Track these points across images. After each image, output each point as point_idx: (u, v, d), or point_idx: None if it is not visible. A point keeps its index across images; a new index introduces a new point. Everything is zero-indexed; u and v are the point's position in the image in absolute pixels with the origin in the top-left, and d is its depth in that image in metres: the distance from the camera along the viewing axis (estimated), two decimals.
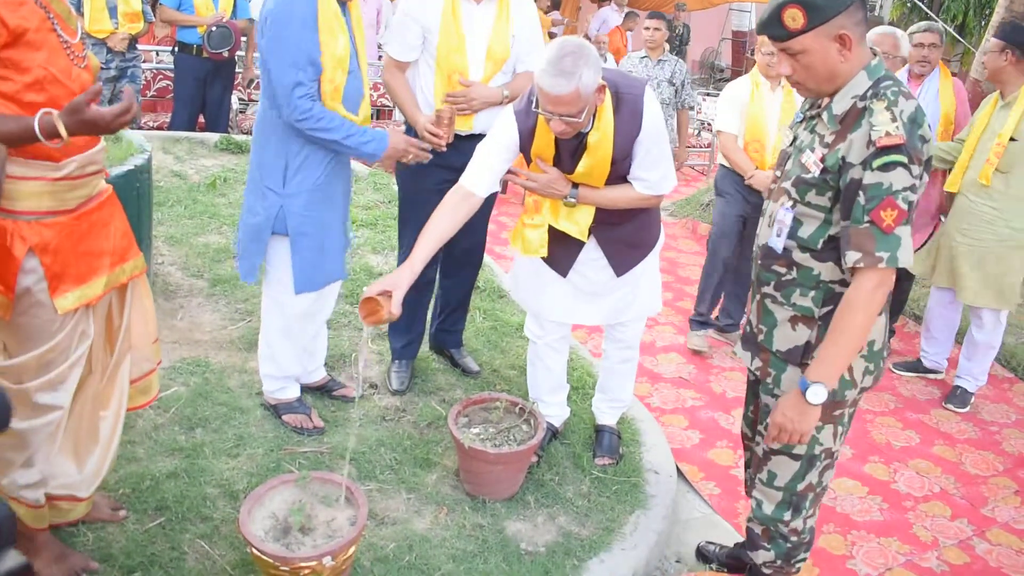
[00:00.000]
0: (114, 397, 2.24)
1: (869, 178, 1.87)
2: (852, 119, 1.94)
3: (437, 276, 3.53)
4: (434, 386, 3.45)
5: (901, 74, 4.44)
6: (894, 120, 1.86)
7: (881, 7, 14.29)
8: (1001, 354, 4.69)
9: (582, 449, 3.14)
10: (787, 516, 2.30)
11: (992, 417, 4.23)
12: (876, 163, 1.86)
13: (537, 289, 2.95)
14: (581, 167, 2.60)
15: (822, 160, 1.98)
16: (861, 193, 1.88)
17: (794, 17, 1.90)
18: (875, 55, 2.02)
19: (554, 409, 3.17)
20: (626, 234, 2.80)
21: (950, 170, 4.18)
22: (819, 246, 2.04)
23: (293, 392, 3.10)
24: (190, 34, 6.21)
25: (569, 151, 2.61)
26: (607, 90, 2.50)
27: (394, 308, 2.30)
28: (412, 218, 3.25)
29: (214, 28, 6.17)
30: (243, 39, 6.62)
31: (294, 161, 2.71)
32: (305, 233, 2.76)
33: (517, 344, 3.91)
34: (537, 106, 2.46)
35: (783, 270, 2.12)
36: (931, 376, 4.56)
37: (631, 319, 3.01)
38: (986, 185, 3.95)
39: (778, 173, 2.20)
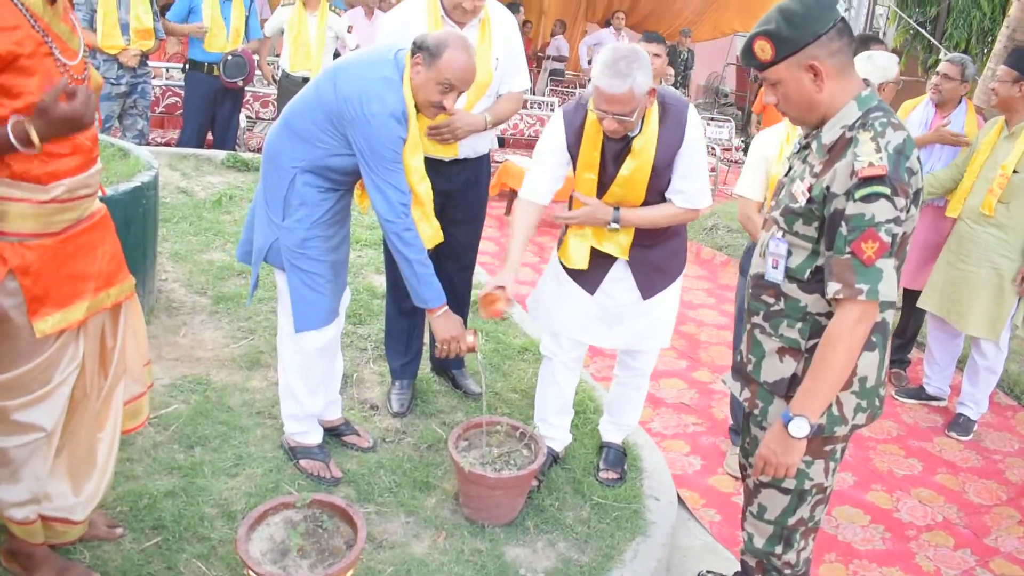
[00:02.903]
0: (110, 419, 2.24)
1: (851, 209, 1.85)
2: (839, 149, 1.93)
3: None
4: (435, 408, 3.44)
5: (923, 105, 4.45)
6: (879, 151, 1.84)
7: (884, 34, 14.36)
8: (1004, 381, 4.68)
9: (582, 475, 3.13)
10: (779, 550, 2.27)
11: (995, 445, 4.21)
12: (858, 194, 1.84)
13: (560, 306, 3.01)
14: (624, 170, 2.71)
15: (809, 190, 1.97)
16: (843, 224, 1.87)
17: (763, 48, 1.94)
18: (867, 85, 2.01)
19: (558, 432, 3.18)
20: (656, 258, 2.90)
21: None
22: (806, 276, 2.02)
23: (315, 438, 2.97)
24: (201, 52, 6.27)
25: (613, 153, 2.73)
26: (656, 100, 2.68)
27: (502, 305, 2.73)
28: None
29: (229, 57, 6.23)
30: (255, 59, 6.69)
31: (295, 197, 2.64)
32: (299, 270, 2.68)
33: (519, 367, 3.91)
34: (590, 106, 2.66)
35: (772, 300, 2.11)
36: (934, 403, 4.55)
37: (648, 348, 3.06)
38: (988, 215, 3.96)
39: (772, 203, 2.20)
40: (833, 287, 1.89)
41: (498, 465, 2.78)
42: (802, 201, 1.98)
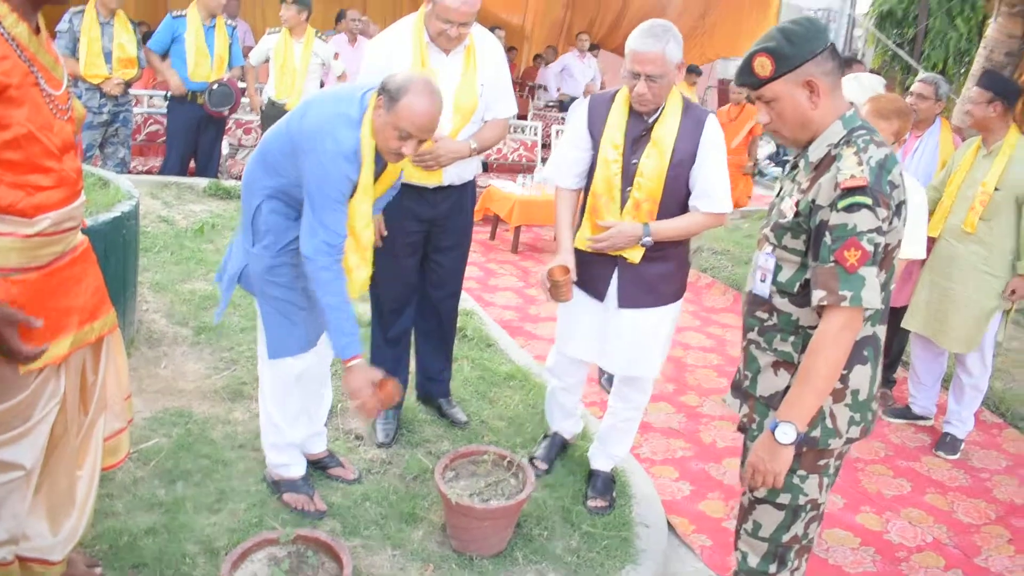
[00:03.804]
0: (89, 456, 2.19)
1: (835, 219, 1.92)
2: (825, 165, 2.00)
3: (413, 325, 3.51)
4: (421, 438, 3.41)
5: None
6: (861, 164, 1.92)
7: (863, 55, 14.52)
8: (989, 399, 4.68)
9: (571, 503, 3.10)
10: (772, 568, 2.25)
11: (983, 464, 4.21)
12: (841, 204, 1.91)
13: (564, 318, 3.14)
14: (644, 157, 2.82)
15: (796, 204, 2.04)
16: (827, 234, 1.93)
17: (763, 65, 2.00)
18: (851, 106, 2.08)
19: (568, 426, 3.46)
20: (646, 273, 2.92)
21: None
22: (795, 290, 2.07)
23: (298, 470, 2.92)
24: (185, 80, 6.24)
25: (634, 136, 2.85)
26: (680, 95, 2.87)
27: (567, 286, 2.86)
28: (385, 278, 3.21)
29: (215, 86, 6.23)
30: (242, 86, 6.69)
31: (262, 224, 2.63)
32: (269, 296, 2.67)
33: (506, 394, 3.88)
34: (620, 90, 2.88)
35: (765, 315, 2.15)
36: (920, 423, 4.55)
37: (643, 374, 3.08)
38: (971, 233, 4.00)
39: (763, 222, 2.24)
40: (818, 294, 1.94)
41: (486, 495, 2.75)
42: (790, 216, 2.04)
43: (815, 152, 2.05)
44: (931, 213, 4.22)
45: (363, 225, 2.59)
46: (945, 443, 4.26)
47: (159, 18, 6.75)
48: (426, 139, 2.55)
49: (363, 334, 3.90)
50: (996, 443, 4.47)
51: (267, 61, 6.62)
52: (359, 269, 2.64)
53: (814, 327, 2.04)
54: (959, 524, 3.62)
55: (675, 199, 2.86)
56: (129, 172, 6.37)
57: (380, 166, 2.63)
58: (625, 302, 2.94)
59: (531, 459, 3.28)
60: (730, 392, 2.38)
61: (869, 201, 1.89)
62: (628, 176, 2.85)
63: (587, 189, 3.00)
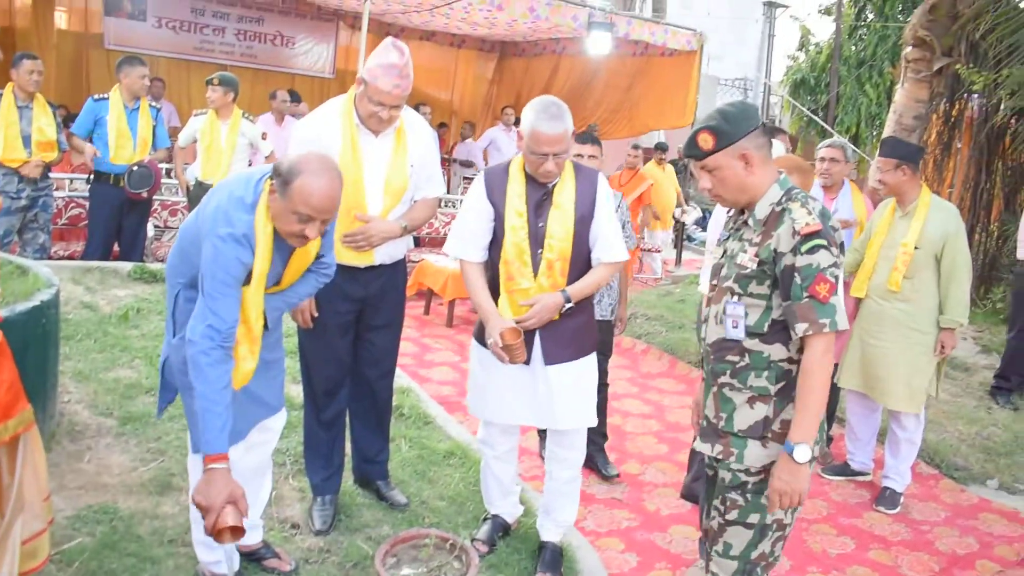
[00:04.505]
0: (5, 562, 2.06)
1: (801, 261, 2.24)
2: (774, 220, 2.32)
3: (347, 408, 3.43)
4: (360, 523, 3.30)
5: (813, 188, 4.64)
6: (810, 214, 2.26)
7: (780, 121, 15.12)
8: (924, 451, 4.77)
9: None
10: None
11: (923, 516, 4.26)
12: (804, 248, 2.23)
13: (486, 390, 3.14)
14: (552, 223, 2.95)
15: (756, 255, 2.33)
16: (796, 275, 2.24)
17: (706, 140, 2.33)
18: (781, 173, 2.41)
19: (507, 508, 3.37)
20: (564, 328, 3.03)
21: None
22: (765, 330, 2.34)
23: (231, 566, 2.79)
24: (107, 163, 6.13)
25: (536, 202, 2.98)
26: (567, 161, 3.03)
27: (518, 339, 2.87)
28: (317, 359, 3.16)
29: (134, 168, 6.13)
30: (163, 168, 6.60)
31: (180, 315, 2.52)
32: (189, 389, 2.49)
33: (445, 473, 3.80)
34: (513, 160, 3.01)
35: (737, 359, 2.39)
36: (859, 478, 4.60)
37: (582, 424, 3.13)
38: (896, 291, 4.13)
39: (714, 282, 2.50)
40: (801, 327, 2.24)
41: None
42: (752, 266, 2.34)
43: (761, 212, 2.36)
44: (854, 274, 4.36)
45: (256, 315, 2.48)
46: (885, 498, 4.31)
47: (80, 101, 6.66)
48: (329, 219, 2.42)
49: (295, 417, 3.83)
50: (934, 495, 4.54)
51: (195, 142, 6.57)
52: (246, 360, 2.50)
53: (783, 360, 2.35)
54: None
55: (580, 256, 3.01)
56: (49, 258, 6.18)
57: (288, 251, 2.55)
58: (551, 359, 3.03)
59: (473, 540, 3.20)
60: (698, 439, 2.56)
61: (825, 242, 2.24)
62: (538, 239, 2.97)
63: (491, 261, 3.06)
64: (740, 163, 2.33)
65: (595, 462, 4.23)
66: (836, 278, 2.24)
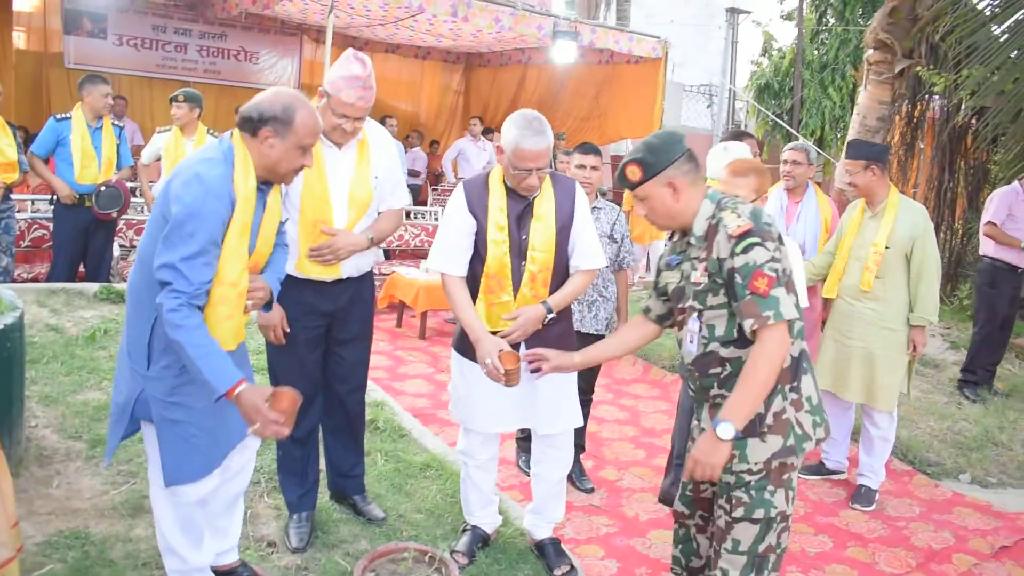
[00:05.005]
0: None
1: (738, 262, 2.34)
2: (712, 233, 2.43)
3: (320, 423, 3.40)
4: (337, 539, 3.26)
5: (778, 191, 4.69)
6: (739, 216, 2.38)
7: (746, 126, 15.26)
8: (897, 448, 4.82)
9: None
10: None
11: (898, 512, 4.30)
12: (738, 248, 2.34)
13: (469, 399, 3.15)
14: (533, 233, 2.98)
15: (705, 270, 2.43)
16: (737, 275, 2.35)
17: (633, 172, 2.47)
18: (709, 187, 2.55)
19: (486, 518, 3.35)
20: (547, 336, 3.02)
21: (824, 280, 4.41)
22: (735, 336, 2.43)
23: None
24: (72, 183, 6.04)
25: (516, 214, 3.00)
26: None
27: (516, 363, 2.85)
28: (287, 375, 3.11)
29: (103, 188, 6.05)
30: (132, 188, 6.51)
31: (159, 341, 2.43)
32: (170, 420, 2.45)
33: (423, 485, 3.77)
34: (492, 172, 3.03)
35: (719, 369, 2.48)
36: (835, 477, 4.63)
37: (570, 426, 3.18)
38: (867, 291, 4.19)
39: (680, 305, 2.58)
40: (748, 323, 2.33)
41: None
42: (705, 280, 2.44)
43: (699, 228, 2.47)
44: (826, 277, 4.40)
45: (239, 271, 2.43)
46: (860, 495, 4.35)
47: (40, 121, 6.56)
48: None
49: None
50: (908, 491, 4.58)
51: (159, 159, 6.49)
52: (231, 319, 2.45)
53: None
54: (882, 575, 3.65)
55: (561, 265, 3.06)
56: (13, 280, 6.07)
57: (261, 210, 2.53)
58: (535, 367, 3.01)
59: (452, 552, 3.17)
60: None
61: (759, 239, 2.34)
62: (520, 251, 2.99)
63: (472, 274, 3.06)
64: (668, 191, 2.45)
65: (571, 473, 4.22)
66: (775, 271, 2.32)
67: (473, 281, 3.05)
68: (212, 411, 2.48)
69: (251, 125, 2.43)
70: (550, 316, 3.00)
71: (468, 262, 3.05)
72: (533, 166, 2.88)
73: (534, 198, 3.00)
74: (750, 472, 2.45)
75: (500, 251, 2.98)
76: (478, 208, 3.01)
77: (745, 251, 2.33)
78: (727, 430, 2.35)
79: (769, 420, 2.43)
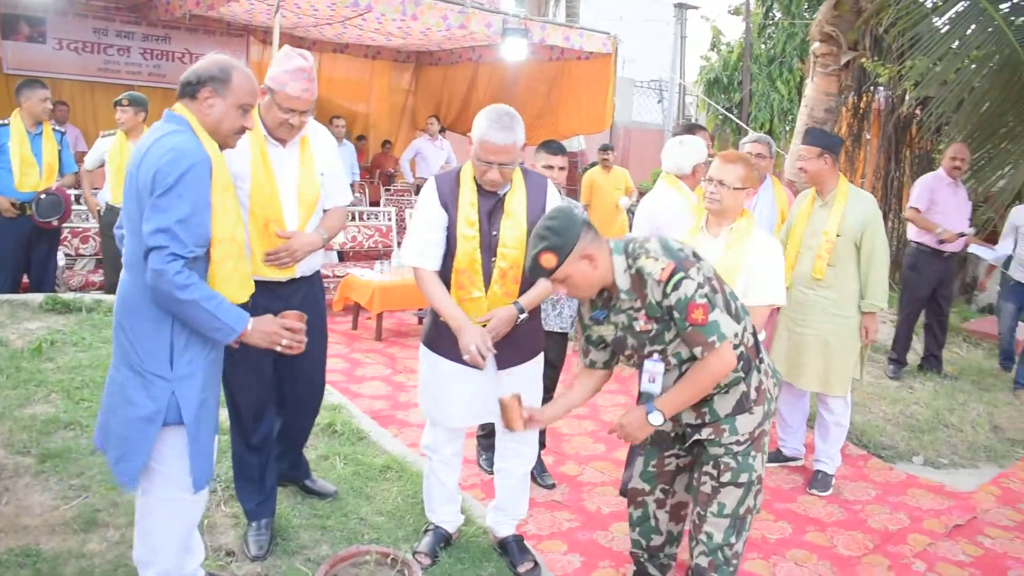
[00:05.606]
0: None
1: (672, 299, 2.49)
2: (638, 282, 2.55)
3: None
4: (297, 545, 3.21)
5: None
6: (656, 260, 2.51)
7: (697, 119, 15.40)
8: (851, 433, 4.90)
9: None
10: (732, 539, 2.76)
11: (854, 496, 4.37)
12: (668, 288, 2.49)
13: (438, 394, 3.16)
14: (503, 229, 2.99)
15: (647, 316, 2.57)
16: (675, 313, 2.51)
17: (548, 260, 2.48)
18: (607, 241, 2.60)
19: (448, 517, 3.34)
20: (515, 332, 3.06)
21: None
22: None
23: None
24: (11, 191, 5.87)
25: (488, 209, 3.00)
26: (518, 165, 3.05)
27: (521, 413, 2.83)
28: (242, 383, 3.09)
29: (42, 195, 5.89)
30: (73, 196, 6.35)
31: (180, 338, 2.40)
32: (203, 419, 2.44)
33: (383, 488, 3.74)
34: (464, 167, 3.02)
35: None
36: (792, 463, 4.70)
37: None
38: (820, 279, 4.24)
39: (625, 359, 2.77)
40: (699, 351, 2.54)
41: None
42: (652, 326, 2.58)
43: (623, 283, 2.57)
44: None
45: (235, 222, 2.49)
46: (817, 481, 4.41)
47: None
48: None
49: (223, 442, 3.73)
50: (863, 475, 4.66)
51: (103, 165, 6.34)
52: (237, 271, 2.51)
53: (736, 346, 2.61)
54: (841, 558, 3.71)
55: None
56: None
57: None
58: (503, 364, 3.09)
59: (414, 553, 3.15)
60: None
61: (683, 274, 2.48)
62: (490, 248, 2.99)
63: (442, 270, 3.07)
64: (585, 263, 2.51)
65: (532, 469, 4.22)
66: (706, 297, 2.49)
67: (444, 276, 3.05)
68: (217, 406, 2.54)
69: (190, 88, 2.46)
70: (522, 316, 3.02)
71: (441, 256, 3.05)
72: (495, 160, 2.89)
73: (505, 194, 3.01)
74: (738, 443, 2.69)
75: (470, 246, 2.98)
76: (449, 202, 3.01)
77: (675, 288, 2.47)
78: (657, 418, 2.64)
79: (752, 395, 2.69)
